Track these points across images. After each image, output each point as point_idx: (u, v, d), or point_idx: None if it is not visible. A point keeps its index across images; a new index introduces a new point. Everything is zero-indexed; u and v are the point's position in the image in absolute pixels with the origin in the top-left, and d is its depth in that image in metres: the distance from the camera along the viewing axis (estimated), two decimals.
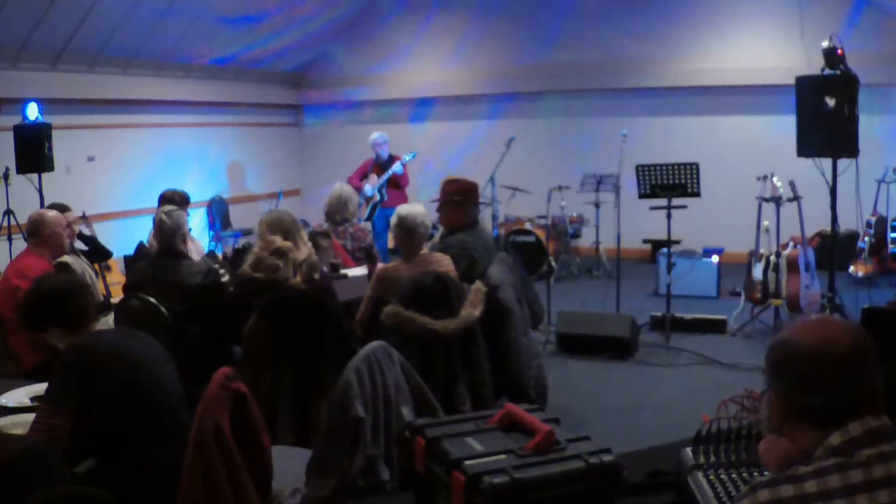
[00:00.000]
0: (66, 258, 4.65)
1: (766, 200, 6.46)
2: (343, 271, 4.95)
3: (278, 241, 3.93)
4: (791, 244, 6.62)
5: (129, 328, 2.82)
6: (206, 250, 7.48)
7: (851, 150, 5.65)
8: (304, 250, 4.00)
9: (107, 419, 2.41)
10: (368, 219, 8.14)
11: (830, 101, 5.54)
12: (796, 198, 6.28)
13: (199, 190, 9.26)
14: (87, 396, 2.39)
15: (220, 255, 6.20)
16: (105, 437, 2.42)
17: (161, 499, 2.32)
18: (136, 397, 2.45)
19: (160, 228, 4.22)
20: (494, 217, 8.29)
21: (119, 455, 2.41)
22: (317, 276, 3.99)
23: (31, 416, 2.70)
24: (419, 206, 4.19)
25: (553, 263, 8.56)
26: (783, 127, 7.64)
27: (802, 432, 1.39)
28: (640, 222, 8.11)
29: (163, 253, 4.23)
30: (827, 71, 5.67)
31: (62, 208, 4.96)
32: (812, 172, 5.94)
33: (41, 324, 2.63)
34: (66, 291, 2.63)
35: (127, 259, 6.53)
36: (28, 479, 1.78)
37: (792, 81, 5.96)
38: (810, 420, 1.38)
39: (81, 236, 5.58)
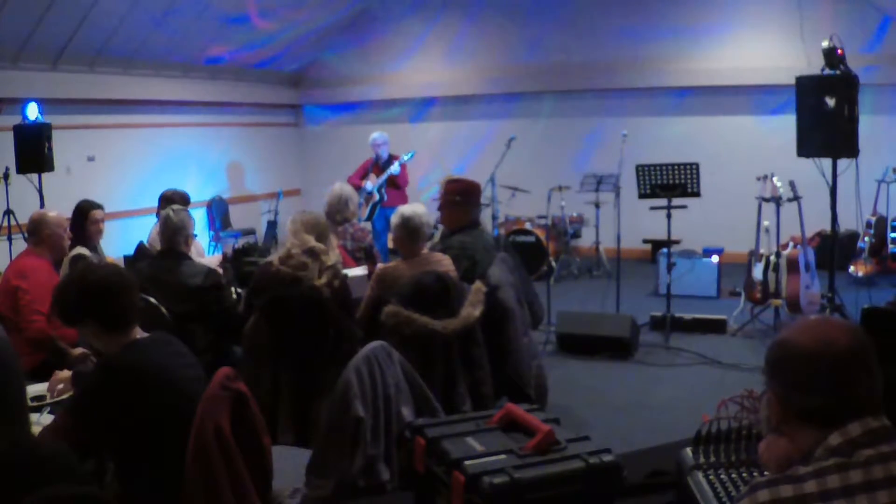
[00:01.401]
0: (83, 250, 4.63)
1: (766, 200, 6.46)
2: (343, 271, 4.94)
3: (312, 241, 3.92)
4: (791, 244, 6.62)
5: (170, 338, 2.57)
6: (206, 251, 7.49)
7: (851, 150, 5.65)
8: (333, 256, 4.01)
9: (131, 438, 2.30)
10: (368, 219, 8.14)
11: (830, 101, 5.54)
12: (796, 198, 6.28)
13: (199, 190, 9.26)
14: (117, 418, 2.27)
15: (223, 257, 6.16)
16: (123, 450, 2.35)
17: (163, 499, 2.32)
18: (169, 421, 2.32)
19: (164, 225, 4.22)
20: (494, 217, 8.29)
21: (132, 468, 2.35)
22: (337, 282, 3.97)
23: (31, 417, 2.70)
24: (421, 206, 4.19)
25: (553, 263, 8.56)
26: (783, 127, 7.64)
27: (801, 432, 1.39)
28: (640, 222, 8.11)
29: (164, 253, 4.23)
30: (827, 71, 5.67)
31: (93, 206, 4.94)
32: (812, 172, 5.94)
33: (80, 316, 2.41)
34: (114, 288, 2.40)
35: (127, 259, 6.52)
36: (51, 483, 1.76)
37: (792, 81, 5.96)
38: (809, 420, 1.38)
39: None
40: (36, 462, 1.79)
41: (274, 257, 3.98)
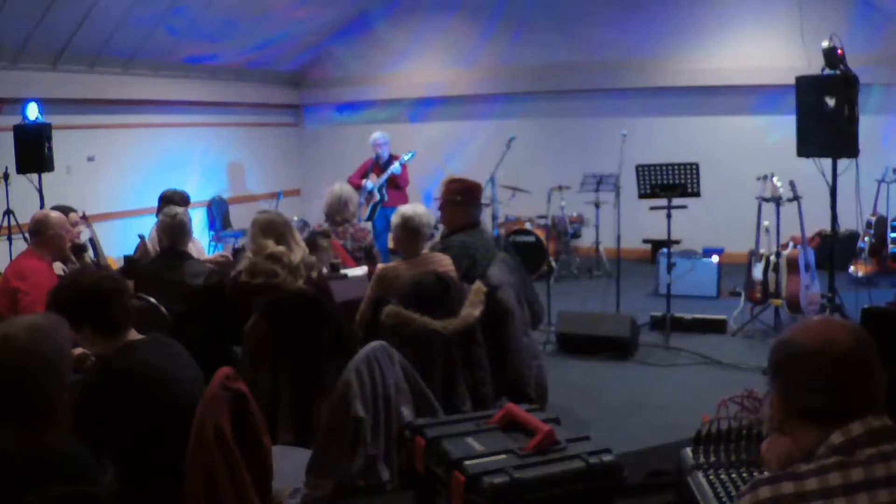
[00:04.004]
0: (57, 266, 4.60)
1: (766, 200, 6.46)
2: (343, 271, 4.95)
3: (270, 245, 3.90)
4: (791, 244, 6.62)
5: (167, 339, 2.58)
6: (206, 250, 7.49)
7: (851, 150, 5.64)
8: (299, 252, 3.97)
9: (130, 438, 2.30)
10: (369, 219, 8.14)
11: (830, 101, 5.54)
12: (796, 198, 6.28)
13: (199, 190, 9.26)
14: (115, 418, 2.27)
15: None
16: (123, 451, 2.34)
17: (163, 499, 2.32)
18: (167, 421, 2.32)
19: (168, 224, 4.21)
20: (494, 217, 8.28)
21: (132, 468, 2.34)
22: (314, 274, 3.97)
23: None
24: (421, 207, 4.19)
25: (553, 263, 8.56)
26: (783, 127, 7.64)
27: (803, 431, 1.39)
28: (640, 222, 8.10)
29: (166, 252, 4.23)
30: (827, 71, 5.67)
31: (65, 210, 4.94)
32: (812, 172, 5.94)
33: (74, 322, 2.36)
34: (109, 292, 2.41)
35: (127, 259, 6.52)
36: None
37: (792, 81, 5.95)
38: (811, 419, 1.38)
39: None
40: (46, 462, 1.80)
41: (241, 266, 3.96)
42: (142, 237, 5.51)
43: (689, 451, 1.99)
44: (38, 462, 1.80)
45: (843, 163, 5.82)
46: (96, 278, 2.48)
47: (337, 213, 5.36)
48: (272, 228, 3.99)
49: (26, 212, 5.23)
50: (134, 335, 2.49)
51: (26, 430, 1.83)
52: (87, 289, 2.42)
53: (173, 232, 4.21)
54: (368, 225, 7.86)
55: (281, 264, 3.85)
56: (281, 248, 3.90)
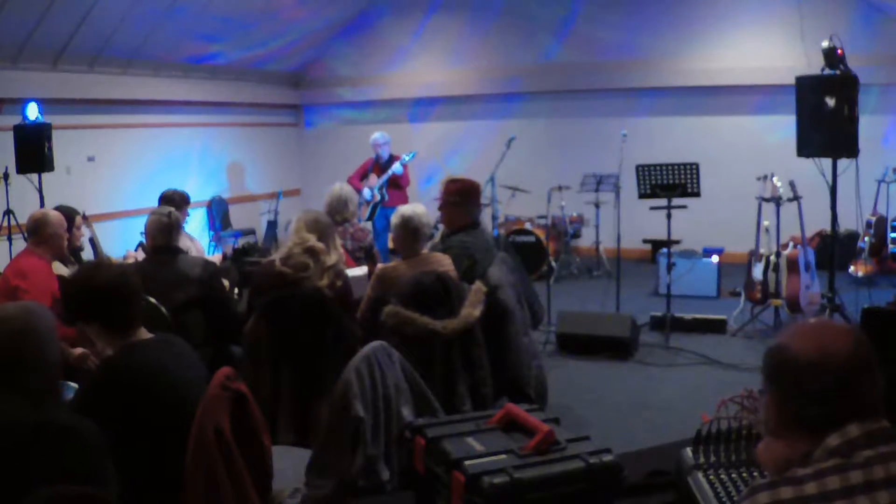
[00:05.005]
0: (60, 268, 4.59)
1: (766, 200, 6.46)
2: (345, 271, 4.95)
3: (312, 240, 3.92)
4: (791, 244, 6.62)
5: (173, 339, 2.59)
6: (206, 251, 7.49)
7: (851, 150, 5.65)
8: (335, 256, 3.99)
9: (131, 437, 2.28)
10: (369, 219, 8.15)
11: (830, 101, 5.54)
12: (796, 198, 6.28)
13: (199, 190, 9.26)
14: (117, 417, 2.26)
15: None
16: (124, 450, 2.34)
17: (163, 500, 2.32)
18: (169, 421, 2.31)
19: (166, 222, 4.21)
20: (494, 217, 8.29)
21: (132, 467, 2.35)
22: (340, 283, 3.97)
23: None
24: (421, 207, 4.19)
25: (553, 263, 8.55)
26: (783, 127, 7.65)
27: (798, 437, 1.38)
28: (640, 222, 8.11)
29: (161, 248, 4.23)
30: (827, 71, 5.67)
31: (70, 211, 4.93)
32: (812, 172, 5.94)
33: (85, 316, 2.43)
34: (122, 292, 2.43)
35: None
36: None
37: (792, 81, 5.96)
38: (805, 426, 1.37)
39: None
40: (49, 432, 1.88)
41: (276, 256, 3.99)
42: (142, 243, 5.51)
43: (689, 451, 1.99)
44: (42, 432, 1.88)
45: (843, 163, 5.83)
46: (109, 276, 2.47)
47: (337, 212, 5.35)
48: (317, 226, 4.01)
49: (26, 212, 5.22)
50: (144, 334, 2.49)
51: (27, 404, 1.92)
52: (100, 287, 2.42)
53: (170, 230, 4.22)
54: (368, 225, 7.87)
55: (316, 260, 3.86)
56: (321, 245, 3.92)
